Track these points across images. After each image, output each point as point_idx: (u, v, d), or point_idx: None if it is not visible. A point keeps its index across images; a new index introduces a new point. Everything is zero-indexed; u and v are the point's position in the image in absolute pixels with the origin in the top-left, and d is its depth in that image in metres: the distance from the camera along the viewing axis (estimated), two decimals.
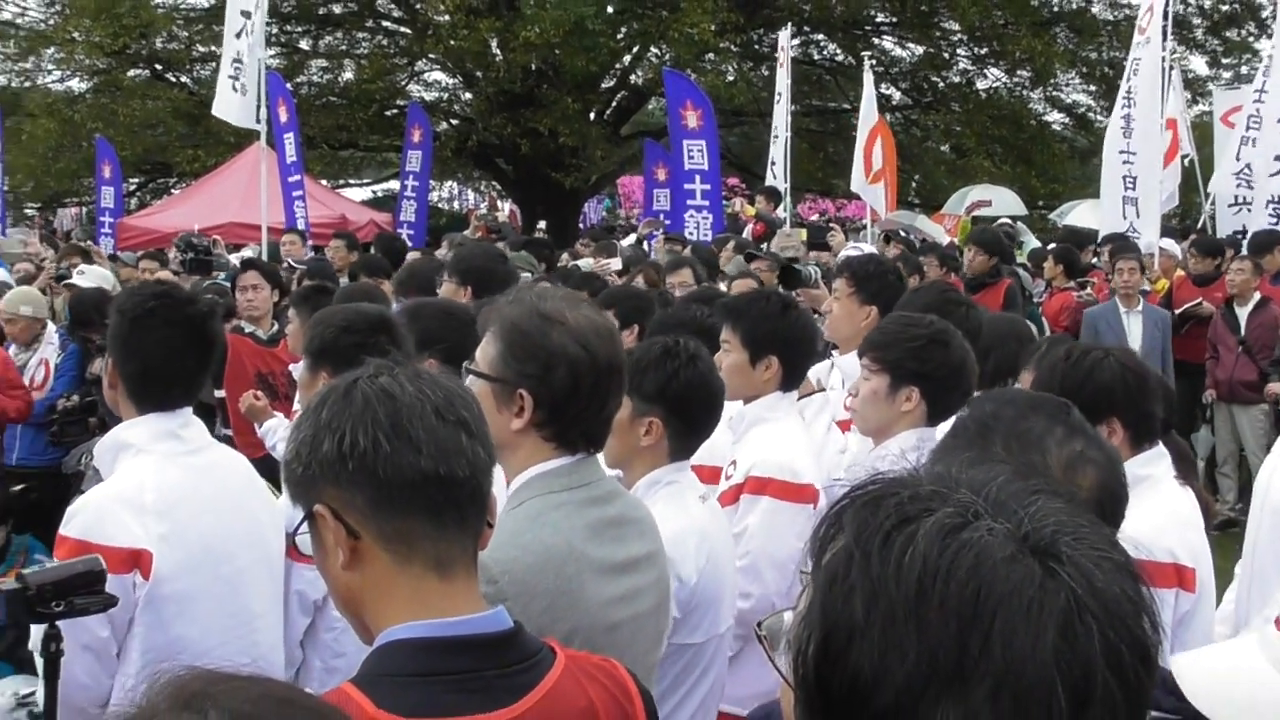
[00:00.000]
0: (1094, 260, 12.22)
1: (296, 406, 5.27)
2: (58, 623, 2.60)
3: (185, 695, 0.96)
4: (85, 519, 2.95)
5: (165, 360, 3.10)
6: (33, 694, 4.53)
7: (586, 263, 10.81)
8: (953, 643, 1.00)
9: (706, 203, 14.21)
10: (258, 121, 12.43)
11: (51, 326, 8.12)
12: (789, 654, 1.13)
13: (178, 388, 3.16)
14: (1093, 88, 26.02)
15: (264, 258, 11.05)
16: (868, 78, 15.17)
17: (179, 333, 3.11)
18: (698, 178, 14.24)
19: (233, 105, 12.42)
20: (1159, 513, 3.09)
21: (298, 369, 5.66)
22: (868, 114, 14.72)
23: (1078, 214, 21.23)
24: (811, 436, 4.55)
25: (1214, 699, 1.61)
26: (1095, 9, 26.04)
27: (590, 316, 2.42)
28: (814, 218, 22.20)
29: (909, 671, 1.00)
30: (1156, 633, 1.06)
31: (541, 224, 22.72)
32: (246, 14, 12.38)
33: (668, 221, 15.10)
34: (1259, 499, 3.71)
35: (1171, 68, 13.81)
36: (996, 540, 1.03)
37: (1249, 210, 12.59)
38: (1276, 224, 10.96)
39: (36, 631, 2.70)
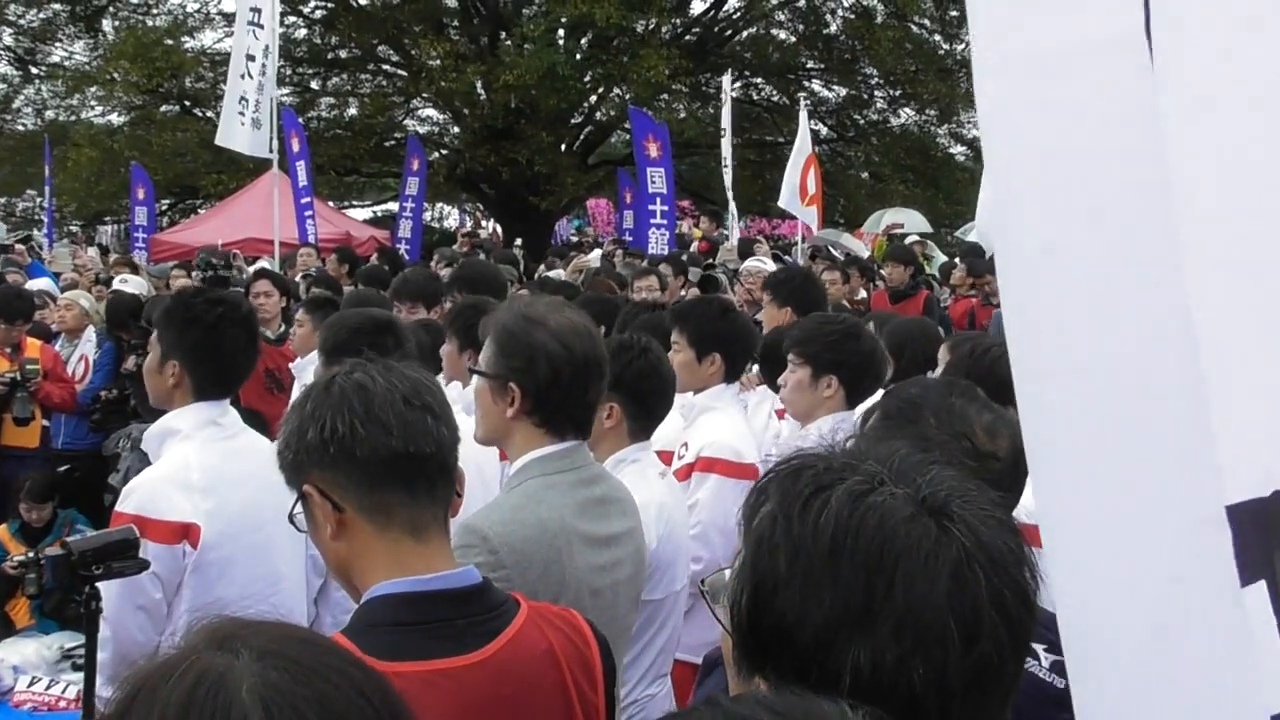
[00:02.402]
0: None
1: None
2: (99, 584, 2.55)
3: (219, 637, 0.97)
4: (140, 497, 2.92)
5: (232, 356, 3.09)
6: (77, 647, 4.49)
7: (558, 273, 10.91)
8: (861, 590, 1.01)
9: (665, 221, 14.25)
10: (271, 151, 12.25)
11: (90, 327, 8.03)
12: (727, 605, 1.15)
13: (234, 379, 3.16)
14: None
15: (276, 268, 10.94)
16: (803, 116, 15.15)
17: (241, 332, 3.10)
18: (658, 200, 14.27)
19: (242, 136, 12.17)
20: None
21: (295, 366, 5.62)
22: (802, 147, 14.72)
23: (976, 233, 21.41)
24: (754, 424, 4.59)
25: None
26: None
27: (571, 319, 2.40)
28: (753, 234, 22.25)
29: (825, 615, 1.02)
30: (1035, 580, 1.08)
31: (519, 240, 22.59)
32: (251, 58, 12.20)
33: (630, 239, 15.11)
34: None
35: None
36: (898, 503, 1.05)
37: None
38: None
39: None
